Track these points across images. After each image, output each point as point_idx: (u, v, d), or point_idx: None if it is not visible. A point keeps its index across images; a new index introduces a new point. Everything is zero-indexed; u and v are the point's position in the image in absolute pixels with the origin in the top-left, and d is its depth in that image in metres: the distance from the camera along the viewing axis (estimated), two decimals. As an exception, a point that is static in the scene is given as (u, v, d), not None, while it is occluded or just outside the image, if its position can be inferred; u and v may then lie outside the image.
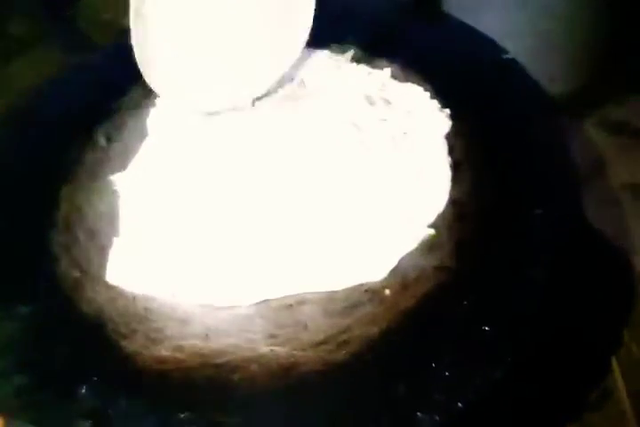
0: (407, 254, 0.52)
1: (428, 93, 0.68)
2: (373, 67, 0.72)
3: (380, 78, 0.70)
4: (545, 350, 0.49)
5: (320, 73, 0.71)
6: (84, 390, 0.45)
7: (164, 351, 0.48)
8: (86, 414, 0.43)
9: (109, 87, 0.73)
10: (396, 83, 0.70)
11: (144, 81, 0.67)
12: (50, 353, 0.48)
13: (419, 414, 0.39)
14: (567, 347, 0.56)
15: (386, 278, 0.51)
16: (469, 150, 0.60)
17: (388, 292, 0.49)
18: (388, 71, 0.71)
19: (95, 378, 0.46)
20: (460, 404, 0.39)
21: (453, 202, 0.56)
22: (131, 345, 0.49)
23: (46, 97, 0.74)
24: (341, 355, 0.45)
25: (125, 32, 0.63)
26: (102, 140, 0.67)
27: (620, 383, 0.65)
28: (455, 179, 0.58)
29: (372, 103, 0.67)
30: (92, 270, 0.56)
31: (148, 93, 0.70)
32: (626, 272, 0.67)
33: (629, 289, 0.66)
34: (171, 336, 0.50)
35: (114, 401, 0.44)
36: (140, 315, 0.52)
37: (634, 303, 0.65)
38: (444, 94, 0.67)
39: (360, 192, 0.58)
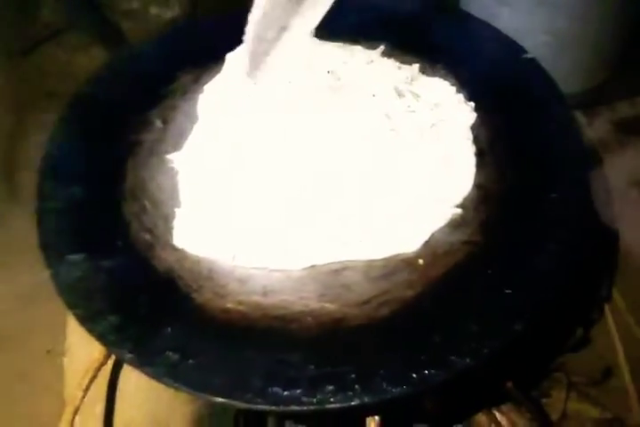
0: (437, 231, 0.60)
1: (454, 87, 0.75)
2: (402, 62, 0.79)
3: (409, 72, 0.78)
4: (553, 309, 0.57)
5: (353, 66, 0.78)
6: (169, 330, 0.53)
7: (228, 304, 0.57)
8: (173, 348, 0.52)
9: (159, 75, 0.79)
10: (424, 77, 0.78)
11: (191, 68, 0.74)
12: (134, 300, 0.57)
13: (452, 357, 0.48)
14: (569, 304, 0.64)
15: (419, 250, 0.59)
16: (492, 140, 0.68)
17: (421, 261, 0.58)
18: (416, 66, 0.78)
19: (175, 322, 0.54)
20: (486, 350, 0.48)
21: (478, 186, 0.64)
22: (199, 297, 0.58)
23: (104, 84, 0.80)
24: (383, 312, 0.54)
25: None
26: (158, 122, 0.74)
27: (622, 361, 0.75)
28: (479, 165, 0.66)
29: (401, 96, 0.75)
30: (160, 235, 0.64)
31: (197, 79, 0.78)
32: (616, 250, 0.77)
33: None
34: (233, 292, 0.58)
35: (192, 340, 0.53)
36: (204, 274, 0.60)
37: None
38: (468, 89, 0.74)
39: (396, 175, 0.66)
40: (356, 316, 0.54)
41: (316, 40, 0.74)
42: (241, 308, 0.56)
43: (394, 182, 0.65)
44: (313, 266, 0.59)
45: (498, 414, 0.66)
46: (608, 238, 0.78)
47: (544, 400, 0.83)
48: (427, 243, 0.59)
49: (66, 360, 0.74)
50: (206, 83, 0.77)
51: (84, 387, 0.58)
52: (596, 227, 0.73)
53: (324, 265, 0.59)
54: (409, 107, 0.73)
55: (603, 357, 0.81)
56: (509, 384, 0.67)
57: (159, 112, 0.77)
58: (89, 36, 1.45)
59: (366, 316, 0.53)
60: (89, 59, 1.37)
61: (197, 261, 0.61)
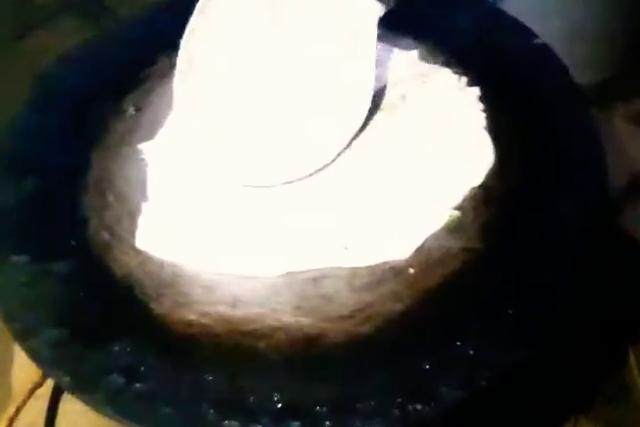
0: (432, 235, 0.53)
1: (456, 75, 0.68)
2: (400, 47, 0.71)
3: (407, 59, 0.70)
4: (565, 336, 0.50)
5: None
6: (117, 348, 0.46)
7: (191, 315, 0.50)
8: (119, 369, 0.45)
9: (137, 57, 0.73)
10: (423, 64, 0.70)
11: (171, 52, 0.67)
12: (83, 310, 0.50)
13: (442, 388, 0.41)
14: (586, 334, 0.57)
15: (410, 257, 0.52)
16: (496, 133, 0.61)
17: (412, 270, 0.50)
18: (414, 53, 0.70)
19: (126, 336, 0.47)
20: (483, 381, 0.41)
21: (479, 185, 0.56)
22: (158, 307, 0.51)
23: (74, 66, 0.73)
24: (366, 328, 0.47)
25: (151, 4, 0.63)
26: (131, 109, 0.68)
27: (638, 379, 0.67)
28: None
29: (397, 84, 0.67)
30: (121, 234, 0.57)
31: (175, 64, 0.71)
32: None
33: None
34: (197, 301, 0.51)
35: (145, 359, 0.45)
36: (167, 280, 0.53)
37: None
38: (472, 76, 0.67)
39: (387, 172, 0.58)
40: (335, 332, 0.46)
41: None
42: (205, 321, 0.49)
43: (382, 179, 0.58)
44: (289, 273, 0.52)
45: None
46: (630, 246, 0.69)
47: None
48: (419, 249, 0.52)
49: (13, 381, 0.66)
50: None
51: (9, 415, 0.50)
52: (616, 233, 0.65)
53: (302, 272, 0.52)
54: (403, 97, 0.66)
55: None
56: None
57: (133, 98, 0.70)
58: (84, 20, 1.40)
59: (346, 332, 0.46)
60: (84, 43, 1.31)
61: (161, 266, 0.55)
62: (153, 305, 0.51)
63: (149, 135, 0.66)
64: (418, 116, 0.64)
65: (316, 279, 0.52)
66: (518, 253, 0.50)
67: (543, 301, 0.45)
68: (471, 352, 0.44)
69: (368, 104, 0.60)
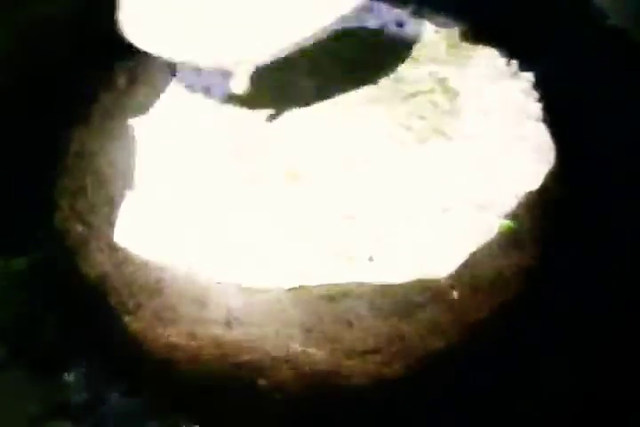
0: (480, 249, 0.43)
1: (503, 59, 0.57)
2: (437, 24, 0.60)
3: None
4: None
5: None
6: (71, 377, 0.36)
7: (174, 336, 0.40)
8: (70, 408, 0.34)
9: None
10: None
11: None
12: (39, 321, 0.39)
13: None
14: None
15: (452, 277, 0.42)
16: (556, 129, 0.51)
17: (455, 294, 0.40)
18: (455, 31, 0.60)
19: (87, 361, 0.37)
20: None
21: (537, 189, 0.46)
22: (135, 323, 0.41)
23: (61, 25, 0.60)
24: (392, 369, 0.36)
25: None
26: (123, 78, 0.57)
27: None
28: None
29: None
30: (98, 226, 0.47)
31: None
32: None
33: None
34: (185, 318, 0.41)
35: (105, 396, 0.35)
36: (150, 287, 0.44)
37: None
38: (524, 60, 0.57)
39: (425, 172, 0.48)
40: (353, 371, 0.36)
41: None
42: (192, 344, 0.39)
43: (420, 180, 0.48)
44: (302, 287, 0.42)
45: None
46: None
47: None
48: (464, 267, 0.42)
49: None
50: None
51: None
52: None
53: (318, 287, 0.42)
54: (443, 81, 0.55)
55: None
56: None
57: (127, 65, 0.59)
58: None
59: (367, 372, 0.36)
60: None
61: (143, 269, 0.44)
62: (128, 319, 0.41)
63: (142, 110, 0.56)
64: (461, 105, 0.53)
65: (333, 298, 0.42)
66: (582, 278, 0.40)
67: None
68: (529, 408, 0.34)
69: None
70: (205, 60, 0.47)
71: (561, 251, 0.42)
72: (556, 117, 0.51)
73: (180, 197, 0.49)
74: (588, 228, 0.43)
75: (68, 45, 0.58)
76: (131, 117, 0.55)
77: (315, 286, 0.43)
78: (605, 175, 0.47)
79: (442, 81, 0.56)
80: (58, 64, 0.57)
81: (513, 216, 0.45)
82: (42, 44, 0.58)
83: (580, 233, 0.43)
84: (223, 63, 0.47)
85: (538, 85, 0.54)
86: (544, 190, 0.46)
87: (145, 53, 0.59)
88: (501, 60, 0.57)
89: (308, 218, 0.46)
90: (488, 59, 0.57)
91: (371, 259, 0.43)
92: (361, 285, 0.42)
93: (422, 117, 0.53)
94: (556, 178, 0.47)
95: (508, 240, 0.43)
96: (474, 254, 0.43)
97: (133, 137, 0.54)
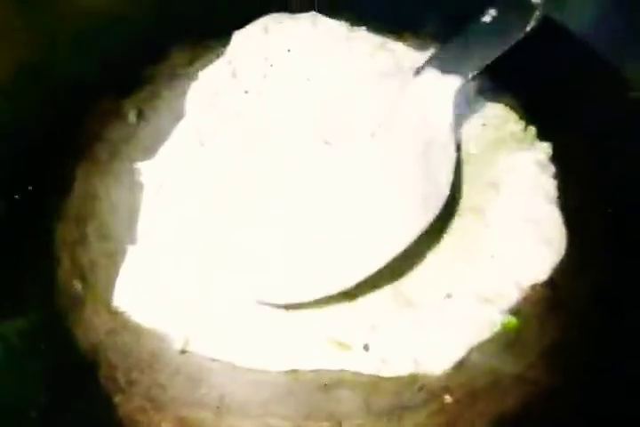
0: (479, 347, 0.42)
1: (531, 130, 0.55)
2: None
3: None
4: None
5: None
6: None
7: (164, 421, 0.40)
8: None
9: (147, 47, 0.58)
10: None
11: (190, 43, 0.57)
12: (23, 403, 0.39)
13: None
14: None
15: (448, 376, 0.41)
16: (572, 213, 0.49)
17: (448, 398, 0.40)
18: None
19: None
20: None
21: (545, 282, 0.45)
22: (126, 404, 0.40)
23: (68, 52, 0.57)
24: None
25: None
26: (132, 115, 0.55)
27: None
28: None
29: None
30: (96, 284, 0.47)
31: (192, 60, 0.58)
32: None
33: None
34: (176, 399, 0.41)
35: None
36: (143, 360, 0.43)
37: None
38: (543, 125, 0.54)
39: (426, 254, 0.47)
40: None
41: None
42: (180, 431, 0.39)
43: (418, 263, 0.47)
44: (295, 371, 0.42)
45: None
46: None
47: None
48: (459, 366, 0.41)
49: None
50: (203, 68, 0.58)
51: None
52: None
53: (311, 373, 0.42)
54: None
55: None
56: None
57: (136, 101, 0.57)
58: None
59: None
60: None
61: (138, 338, 0.44)
62: (119, 399, 0.41)
63: (150, 150, 0.54)
64: (469, 171, 0.52)
65: (327, 387, 0.42)
66: (598, 394, 0.39)
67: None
68: None
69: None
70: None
71: (567, 357, 0.41)
72: (571, 200, 0.49)
73: (182, 259, 0.48)
74: (600, 337, 0.41)
75: (74, 77, 0.56)
76: (138, 160, 0.53)
77: (308, 371, 0.42)
78: (623, 273, 0.44)
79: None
80: (63, 96, 0.55)
81: (515, 311, 0.44)
82: (45, 72, 0.56)
83: (593, 336, 0.42)
84: None
85: (555, 158, 0.52)
86: (551, 284, 0.45)
87: (153, 88, 0.58)
88: (519, 125, 0.55)
89: (299, 300, 0.45)
90: (505, 122, 0.55)
91: (366, 347, 0.43)
92: (355, 374, 0.42)
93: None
94: (566, 270, 0.45)
95: (510, 340, 0.42)
96: (472, 352, 0.42)
97: (139, 182, 0.52)
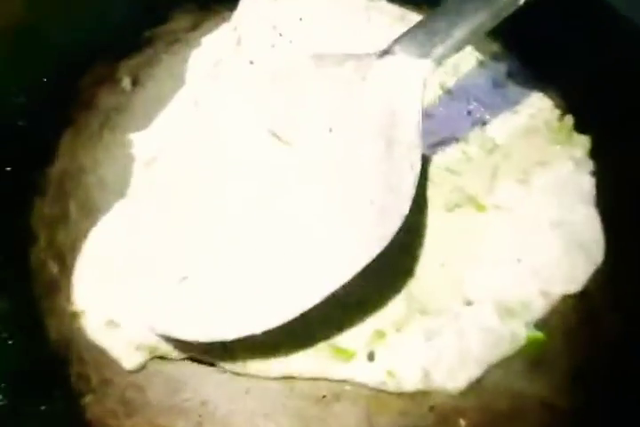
0: (499, 365, 0.37)
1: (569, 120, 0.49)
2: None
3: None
4: None
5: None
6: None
7: (138, 429, 0.35)
8: None
9: (147, 8, 0.52)
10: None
11: (194, 6, 0.52)
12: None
13: None
14: None
15: (463, 396, 0.36)
16: (611, 216, 0.44)
17: (462, 423, 0.35)
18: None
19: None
20: None
21: (581, 292, 0.40)
22: (96, 406, 0.36)
23: (60, 13, 0.50)
24: None
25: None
26: (126, 81, 0.50)
27: None
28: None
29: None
30: (75, 267, 0.42)
31: (195, 25, 0.53)
32: None
33: None
34: (153, 404, 0.37)
35: None
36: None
37: None
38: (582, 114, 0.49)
39: (443, 259, 0.42)
40: None
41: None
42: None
43: (440, 257, 0.41)
44: (289, 379, 0.37)
45: None
46: None
47: None
48: (477, 386, 0.36)
49: None
50: (206, 33, 0.52)
51: None
52: None
53: (309, 384, 0.37)
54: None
55: None
56: None
57: (131, 65, 0.52)
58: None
59: None
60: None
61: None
62: (89, 401, 0.36)
63: (144, 121, 0.49)
64: (497, 164, 0.46)
65: (327, 400, 0.37)
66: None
67: None
68: None
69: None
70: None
71: (595, 381, 0.36)
72: (611, 201, 0.44)
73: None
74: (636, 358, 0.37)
75: (67, 38, 0.50)
76: (130, 131, 0.48)
77: (306, 381, 0.38)
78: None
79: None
80: (54, 59, 0.49)
81: (542, 325, 0.39)
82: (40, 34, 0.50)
83: (623, 360, 0.37)
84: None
85: (594, 153, 0.46)
86: (584, 296, 0.40)
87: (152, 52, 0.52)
88: (554, 113, 0.49)
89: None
90: (538, 109, 0.50)
91: (371, 356, 0.38)
92: (357, 387, 0.37)
93: (453, 172, 0.46)
94: (600, 282, 0.40)
95: (534, 358, 0.37)
96: (491, 370, 0.37)
97: (131, 154, 0.47)
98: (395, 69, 0.39)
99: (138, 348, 0.38)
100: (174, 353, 0.38)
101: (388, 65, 0.40)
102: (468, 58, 0.51)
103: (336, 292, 0.36)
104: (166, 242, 0.40)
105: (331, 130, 0.40)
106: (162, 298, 0.38)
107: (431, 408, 0.36)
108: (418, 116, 0.38)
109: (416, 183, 0.37)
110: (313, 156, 0.39)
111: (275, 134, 0.40)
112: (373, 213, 0.37)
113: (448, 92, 0.49)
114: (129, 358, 0.38)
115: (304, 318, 0.39)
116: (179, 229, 0.40)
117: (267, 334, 0.38)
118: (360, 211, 0.37)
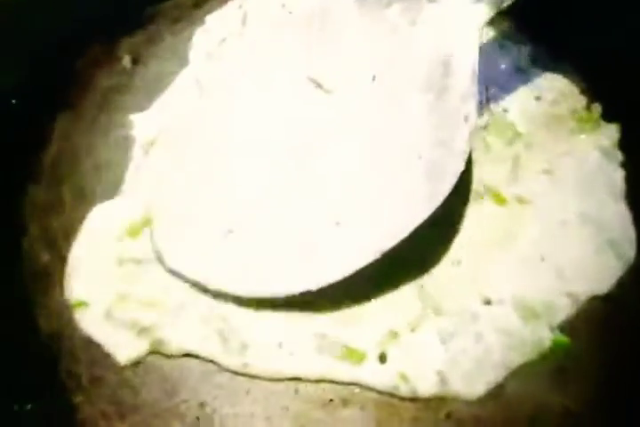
0: (520, 369, 0.35)
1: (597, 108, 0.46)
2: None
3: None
4: None
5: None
6: None
7: (130, 432, 0.33)
8: None
9: None
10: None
11: None
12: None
13: None
14: None
15: (481, 403, 0.34)
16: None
17: (481, 431, 0.33)
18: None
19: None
20: None
21: (609, 294, 0.37)
22: (87, 407, 0.33)
23: None
24: None
25: None
26: (127, 60, 0.47)
27: None
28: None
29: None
30: (67, 256, 0.39)
31: (199, 2, 0.50)
32: None
33: None
34: (147, 405, 0.34)
35: None
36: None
37: None
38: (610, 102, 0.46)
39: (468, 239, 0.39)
40: None
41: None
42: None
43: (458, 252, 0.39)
44: (294, 381, 0.35)
45: None
46: None
47: None
48: (497, 392, 0.34)
49: None
50: (211, 11, 0.50)
51: None
52: None
53: (314, 386, 0.35)
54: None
55: None
56: None
57: (132, 44, 0.49)
58: None
59: None
60: None
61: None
62: (80, 401, 0.33)
63: (144, 102, 0.46)
64: (519, 153, 0.44)
65: (334, 404, 0.34)
66: None
67: None
68: None
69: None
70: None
71: (624, 397, 0.33)
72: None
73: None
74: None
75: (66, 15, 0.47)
76: (130, 112, 0.45)
77: (311, 382, 0.35)
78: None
79: (500, 111, 0.45)
80: (52, 36, 0.47)
81: (565, 327, 0.36)
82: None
83: None
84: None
85: (623, 144, 0.43)
86: (612, 298, 0.37)
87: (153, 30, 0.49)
88: (580, 100, 0.46)
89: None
90: (561, 95, 0.47)
91: (382, 358, 0.35)
92: (367, 390, 0.35)
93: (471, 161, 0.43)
94: (630, 284, 0.37)
95: (558, 364, 0.35)
96: (512, 375, 0.34)
97: (130, 136, 0.45)
98: (449, 14, 0.37)
99: (140, 332, 0.36)
100: (173, 346, 0.35)
101: (440, 9, 0.38)
102: (489, 40, 0.48)
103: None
104: (210, 194, 0.39)
105: (374, 78, 0.38)
106: (210, 252, 0.37)
107: (447, 416, 0.33)
108: (475, 65, 0.36)
109: (471, 137, 0.35)
110: (355, 105, 0.38)
111: (314, 81, 0.38)
112: (421, 169, 0.35)
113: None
114: (124, 352, 0.35)
115: (310, 312, 0.36)
116: (221, 181, 0.39)
117: (271, 329, 0.36)
118: (406, 165, 0.35)
